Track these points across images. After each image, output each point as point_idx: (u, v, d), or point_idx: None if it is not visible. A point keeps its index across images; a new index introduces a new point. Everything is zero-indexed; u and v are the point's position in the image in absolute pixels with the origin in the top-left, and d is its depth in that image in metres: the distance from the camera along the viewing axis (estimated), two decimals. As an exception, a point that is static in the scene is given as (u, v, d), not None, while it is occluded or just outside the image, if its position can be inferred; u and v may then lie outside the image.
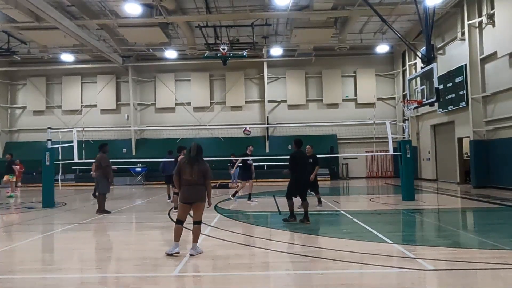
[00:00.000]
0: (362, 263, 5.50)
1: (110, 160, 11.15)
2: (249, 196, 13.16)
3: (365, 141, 24.04)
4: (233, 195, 13.34)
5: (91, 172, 13.30)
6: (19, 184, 18.85)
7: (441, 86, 17.76)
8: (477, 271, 5.04)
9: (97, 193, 11.23)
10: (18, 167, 17.32)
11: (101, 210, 10.79)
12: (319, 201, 11.55)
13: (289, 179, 8.80)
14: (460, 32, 18.10)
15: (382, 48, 24.11)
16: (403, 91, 24.14)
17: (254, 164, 18.39)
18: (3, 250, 6.62)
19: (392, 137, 13.30)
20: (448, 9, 18.37)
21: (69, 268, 5.57)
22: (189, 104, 26.25)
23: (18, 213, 11.73)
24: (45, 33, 19.56)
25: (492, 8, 15.89)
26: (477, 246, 6.48)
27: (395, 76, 25.87)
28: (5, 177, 16.52)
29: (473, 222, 9.65)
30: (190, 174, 6.05)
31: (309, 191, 11.31)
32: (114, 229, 8.83)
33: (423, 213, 10.21)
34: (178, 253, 5.90)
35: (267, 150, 24.80)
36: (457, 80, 18.09)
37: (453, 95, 18.51)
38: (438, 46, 20.05)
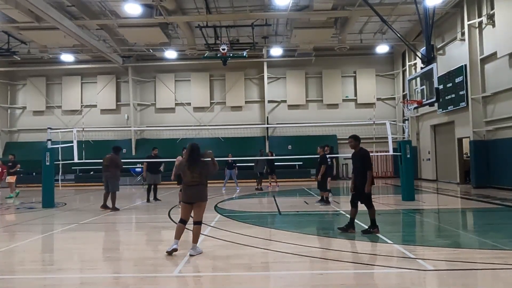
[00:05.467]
0: (362, 263, 5.50)
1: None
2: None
3: (365, 141, 23.70)
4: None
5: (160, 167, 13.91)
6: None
7: (441, 86, 17.76)
8: (477, 271, 5.04)
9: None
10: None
11: (114, 207, 11.31)
12: (322, 199, 11.83)
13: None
14: (460, 32, 18.10)
15: (382, 48, 24.10)
16: (403, 91, 24.14)
17: (253, 164, 18.61)
18: (3, 250, 6.62)
19: (392, 137, 13.32)
20: (448, 9, 18.38)
21: (69, 268, 5.57)
22: (189, 104, 26.24)
23: (18, 213, 11.73)
24: (45, 33, 19.55)
25: (492, 8, 15.89)
26: (477, 246, 6.48)
27: (395, 76, 25.87)
28: (9, 178, 16.50)
29: (473, 222, 9.65)
30: (191, 176, 6.07)
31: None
32: (114, 229, 8.84)
33: (423, 213, 10.22)
34: (176, 250, 5.91)
35: (267, 150, 24.77)
36: (457, 80, 18.09)
37: (453, 95, 18.51)
38: (438, 46, 20.05)
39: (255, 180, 18.80)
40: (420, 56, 13.70)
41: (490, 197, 13.04)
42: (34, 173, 22.46)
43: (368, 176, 7.22)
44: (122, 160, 13.72)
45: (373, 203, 7.41)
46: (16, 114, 27.39)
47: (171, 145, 23.40)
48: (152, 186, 13.79)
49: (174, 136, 25.01)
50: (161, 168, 14.18)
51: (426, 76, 12.88)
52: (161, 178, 14.01)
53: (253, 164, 18.43)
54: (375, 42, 23.57)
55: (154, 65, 26.31)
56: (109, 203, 11.66)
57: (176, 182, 11.65)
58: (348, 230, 7.31)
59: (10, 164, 16.54)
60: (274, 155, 18.57)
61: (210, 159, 6.37)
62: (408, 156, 12.49)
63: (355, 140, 7.61)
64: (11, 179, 16.44)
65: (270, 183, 18.45)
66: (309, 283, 4.72)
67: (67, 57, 24.54)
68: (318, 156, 12.19)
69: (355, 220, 7.46)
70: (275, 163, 18.65)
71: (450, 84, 18.72)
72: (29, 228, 9.04)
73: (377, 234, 7.11)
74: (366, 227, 7.50)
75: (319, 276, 4.98)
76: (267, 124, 25.11)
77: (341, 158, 24.43)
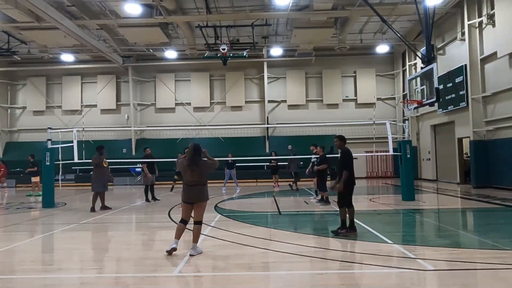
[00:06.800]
0: (362, 263, 5.50)
1: (110, 160, 11.43)
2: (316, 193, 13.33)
3: (365, 141, 24.03)
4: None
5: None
6: (5, 184, 19.05)
7: (441, 86, 17.76)
8: (477, 271, 5.04)
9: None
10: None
11: (92, 208, 11.23)
12: (321, 199, 11.88)
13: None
14: (460, 32, 18.10)
15: (382, 48, 24.09)
16: (403, 91, 24.13)
17: (253, 164, 18.55)
18: (3, 250, 6.62)
19: (392, 137, 13.31)
20: (448, 9, 18.37)
21: (69, 268, 5.57)
22: (189, 104, 26.24)
23: (18, 213, 11.73)
24: (45, 33, 19.55)
25: (492, 8, 15.89)
26: (477, 246, 6.48)
27: (395, 76, 25.86)
28: (33, 178, 17.13)
29: (473, 222, 9.65)
30: (191, 175, 6.08)
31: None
32: (114, 229, 8.83)
33: (423, 213, 10.21)
34: (175, 249, 5.92)
35: (267, 150, 24.79)
36: (457, 80, 18.09)
37: (453, 95, 18.51)
38: (438, 46, 20.05)
39: (261, 180, 18.56)
40: (420, 56, 13.69)
41: (490, 197, 13.03)
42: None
43: (344, 175, 7.11)
44: (122, 160, 13.73)
45: (353, 203, 7.29)
46: (16, 114, 27.38)
47: (171, 145, 23.41)
48: (149, 186, 13.78)
49: (174, 136, 25.00)
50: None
51: (426, 76, 12.87)
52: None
53: (286, 163, 17.81)
54: (375, 42, 23.56)
55: (154, 65, 26.30)
56: (108, 203, 11.72)
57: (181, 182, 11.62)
58: (347, 232, 7.16)
59: (30, 165, 17.14)
60: (276, 154, 18.36)
61: (208, 159, 6.38)
62: (408, 156, 12.48)
63: (340, 140, 7.56)
64: (35, 179, 17.05)
65: (274, 183, 18.46)
66: (309, 283, 4.72)
67: (67, 57, 24.54)
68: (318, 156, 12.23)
69: (355, 221, 7.45)
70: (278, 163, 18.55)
71: (450, 84, 18.71)
72: (29, 228, 9.05)
73: (347, 235, 7.02)
74: (366, 227, 7.50)
75: (319, 276, 4.98)
76: (267, 124, 25.11)
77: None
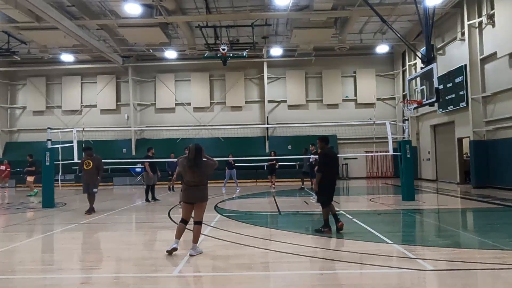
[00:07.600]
0: (362, 263, 5.49)
1: (110, 160, 11.36)
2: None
3: (365, 141, 24.05)
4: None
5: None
6: (7, 184, 19.09)
7: (441, 86, 17.75)
8: (477, 271, 5.04)
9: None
10: (4, 167, 17.78)
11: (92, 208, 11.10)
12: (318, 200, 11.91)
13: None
14: (460, 32, 18.10)
15: (382, 48, 24.09)
16: (403, 91, 24.15)
17: (253, 164, 18.50)
18: (3, 250, 6.62)
19: (392, 137, 13.30)
20: (448, 9, 18.36)
21: (69, 268, 5.57)
22: (189, 104, 26.24)
23: (18, 213, 11.73)
24: (45, 33, 19.55)
25: (492, 8, 15.89)
26: (477, 246, 6.48)
27: (395, 76, 25.86)
28: (28, 178, 17.29)
29: (473, 222, 9.65)
30: (191, 176, 6.09)
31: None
32: (114, 229, 8.83)
33: (423, 213, 10.21)
34: (175, 249, 5.92)
35: (267, 150, 24.79)
36: (457, 80, 18.09)
37: (453, 95, 18.51)
38: (438, 46, 20.05)
39: (269, 180, 18.48)
40: (420, 56, 13.71)
41: (490, 197, 13.03)
42: (34, 173, 22.48)
43: (316, 177, 7.44)
44: (122, 160, 13.71)
45: (332, 203, 7.56)
46: (16, 114, 27.39)
47: (171, 145, 23.42)
48: (150, 187, 13.77)
49: (174, 136, 25.03)
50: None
51: (426, 76, 12.88)
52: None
53: (301, 163, 17.59)
54: (375, 42, 23.56)
55: (154, 65, 26.31)
56: (107, 203, 11.74)
57: (180, 182, 11.60)
58: (330, 231, 7.33)
59: (28, 164, 17.26)
60: (276, 154, 18.29)
61: (207, 159, 6.37)
62: (408, 156, 12.48)
63: (321, 141, 7.74)
64: (30, 178, 17.13)
65: (272, 183, 18.47)
66: (309, 283, 4.72)
67: (67, 57, 24.54)
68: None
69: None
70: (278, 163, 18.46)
71: (450, 84, 18.71)
72: (29, 228, 9.05)
73: (329, 234, 7.24)
74: (366, 227, 7.50)
75: (319, 276, 4.98)
76: (267, 124, 25.11)
77: (341, 158, 24.43)
